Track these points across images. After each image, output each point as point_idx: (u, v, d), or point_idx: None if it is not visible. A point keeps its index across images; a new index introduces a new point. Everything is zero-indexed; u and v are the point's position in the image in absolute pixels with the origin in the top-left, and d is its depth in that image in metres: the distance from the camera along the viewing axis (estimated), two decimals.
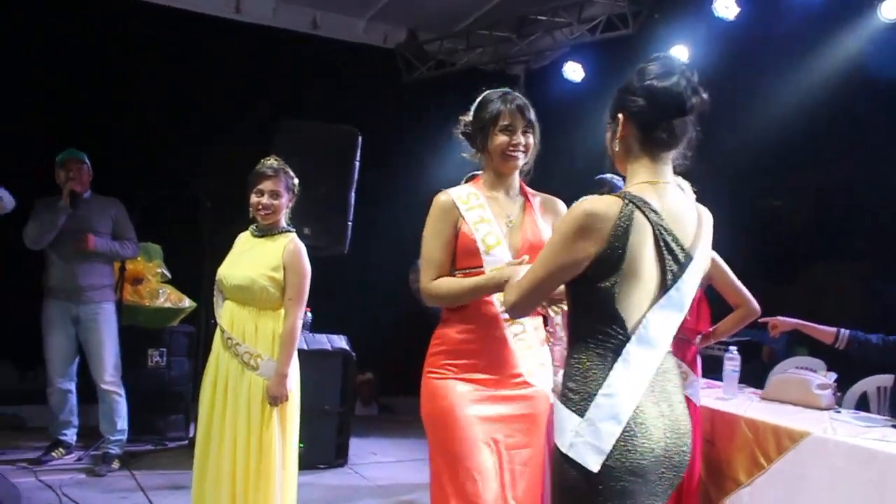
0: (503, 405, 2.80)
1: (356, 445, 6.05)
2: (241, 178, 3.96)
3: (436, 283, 2.82)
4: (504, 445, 2.78)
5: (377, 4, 7.79)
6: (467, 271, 2.81)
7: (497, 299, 2.76)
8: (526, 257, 2.66)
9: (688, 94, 2.10)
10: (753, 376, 4.86)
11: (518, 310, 2.24)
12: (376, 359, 7.41)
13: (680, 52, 6.42)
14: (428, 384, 2.85)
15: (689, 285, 2.13)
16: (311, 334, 5.58)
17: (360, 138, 5.71)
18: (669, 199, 2.13)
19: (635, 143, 2.17)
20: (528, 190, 3.01)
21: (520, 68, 8.24)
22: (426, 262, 2.85)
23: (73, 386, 5.45)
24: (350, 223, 5.73)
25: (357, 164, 5.70)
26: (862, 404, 4.77)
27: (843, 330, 4.31)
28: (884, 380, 4.75)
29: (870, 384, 4.81)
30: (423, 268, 2.85)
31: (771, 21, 6.02)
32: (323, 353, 5.58)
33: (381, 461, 6.14)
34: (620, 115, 2.17)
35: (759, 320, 4.12)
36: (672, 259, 2.09)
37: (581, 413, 2.04)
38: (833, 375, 4.40)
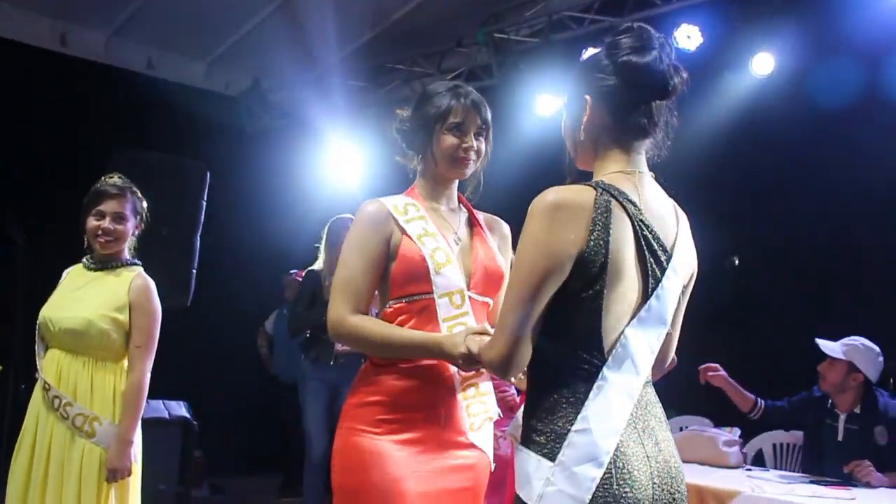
0: (446, 478, 2.18)
1: None
2: (67, 215, 3.23)
3: (358, 321, 2.17)
4: None
5: (218, 48, 7.19)
6: (413, 299, 2.20)
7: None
8: (488, 326, 2.10)
9: (670, 73, 1.75)
10: None
11: (513, 362, 1.68)
12: (210, 433, 6.52)
13: (546, 103, 6.21)
14: (355, 445, 2.16)
15: (670, 293, 1.75)
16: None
17: (208, 175, 5.00)
18: (648, 191, 1.77)
19: (605, 132, 1.79)
20: (469, 205, 2.44)
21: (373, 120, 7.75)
22: (342, 287, 2.19)
23: None
24: (195, 271, 4.95)
25: (204, 203, 4.96)
26: (758, 462, 4.49)
27: (760, 401, 4.12)
28: (779, 436, 4.54)
29: (766, 441, 4.56)
30: (336, 293, 2.20)
31: None
32: (160, 422, 4.70)
33: None
34: (588, 98, 1.78)
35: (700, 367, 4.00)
36: (654, 261, 1.71)
37: (551, 456, 1.63)
38: (738, 431, 4.12)
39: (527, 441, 1.69)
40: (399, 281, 2.20)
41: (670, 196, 1.85)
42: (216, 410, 6.25)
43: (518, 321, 1.64)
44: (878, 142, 4.97)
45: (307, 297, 4.80)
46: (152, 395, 4.68)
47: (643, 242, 1.69)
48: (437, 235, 2.24)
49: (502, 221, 2.45)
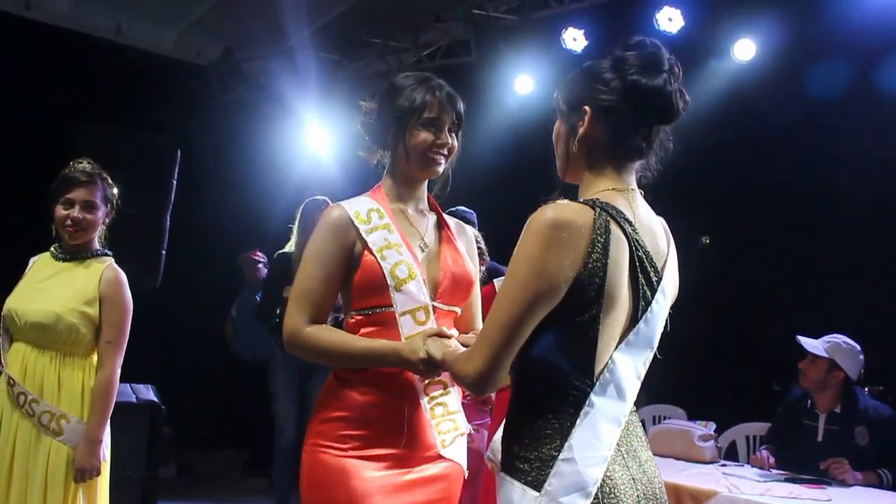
0: (415, 492, 2.09)
1: None
2: (31, 190, 3.07)
3: (313, 331, 2.08)
4: None
5: (190, 16, 6.95)
6: (374, 312, 2.10)
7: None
8: (454, 332, 2.03)
9: (676, 98, 1.67)
10: None
11: (490, 381, 1.60)
12: (176, 410, 6.41)
13: (524, 83, 6.10)
14: (320, 461, 2.07)
15: (659, 316, 1.68)
16: None
17: (178, 154, 4.84)
18: (640, 209, 1.71)
19: (600, 147, 1.71)
20: (439, 207, 2.32)
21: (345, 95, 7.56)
22: (300, 296, 2.10)
23: None
24: (164, 252, 4.81)
25: (175, 183, 4.81)
26: (730, 453, 4.49)
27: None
28: (752, 429, 4.52)
29: (738, 433, 4.56)
30: (293, 303, 2.10)
31: None
32: (127, 407, 4.56)
33: None
34: (587, 108, 1.69)
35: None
36: (646, 282, 1.64)
37: (537, 486, 1.55)
38: (713, 426, 4.10)
39: (509, 468, 1.62)
40: (359, 293, 2.11)
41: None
42: (184, 389, 6.12)
43: (503, 340, 1.56)
44: (861, 131, 4.94)
45: (277, 281, 4.67)
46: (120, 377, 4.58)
47: (637, 263, 1.61)
48: (401, 246, 2.12)
49: (467, 227, 2.37)
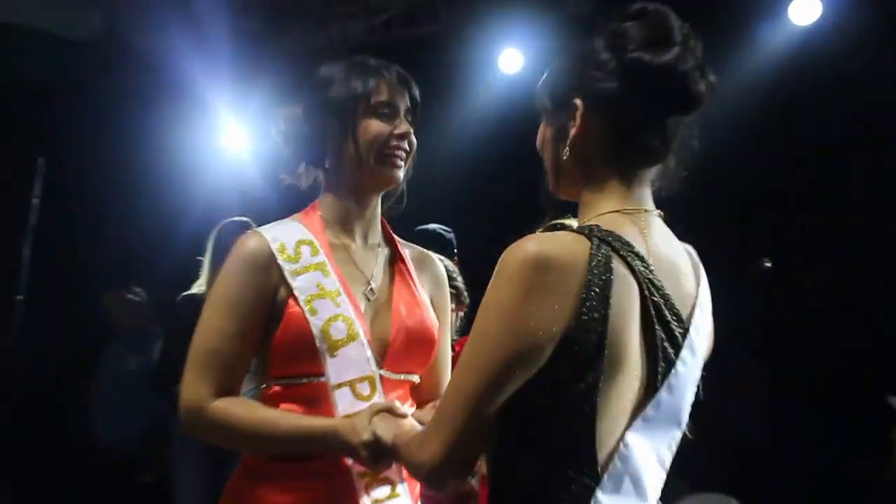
0: None
1: None
2: None
3: (222, 406, 2.04)
4: None
5: None
6: (299, 382, 2.09)
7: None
8: (410, 408, 2.06)
9: (695, 78, 1.66)
10: None
11: (450, 472, 1.63)
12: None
13: (512, 59, 6.25)
14: None
15: (687, 381, 1.69)
16: None
17: (40, 163, 4.76)
18: (657, 238, 1.71)
19: (600, 152, 1.72)
20: (394, 237, 2.33)
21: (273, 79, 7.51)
22: (203, 358, 2.07)
23: None
24: (19, 297, 4.69)
25: (36, 202, 4.71)
26: None
27: None
28: None
29: None
30: (194, 368, 2.07)
31: None
32: None
33: None
34: (578, 102, 1.71)
35: None
36: (667, 337, 1.64)
37: None
38: None
39: None
40: (280, 356, 2.09)
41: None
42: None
43: (466, 419, 1.57)
44: None
45: (183, 335, 4.41)
46: None
47: (652, 312, 1.62)
48: (339, 295, 2.11)
49: (435, 259, 2.39)
